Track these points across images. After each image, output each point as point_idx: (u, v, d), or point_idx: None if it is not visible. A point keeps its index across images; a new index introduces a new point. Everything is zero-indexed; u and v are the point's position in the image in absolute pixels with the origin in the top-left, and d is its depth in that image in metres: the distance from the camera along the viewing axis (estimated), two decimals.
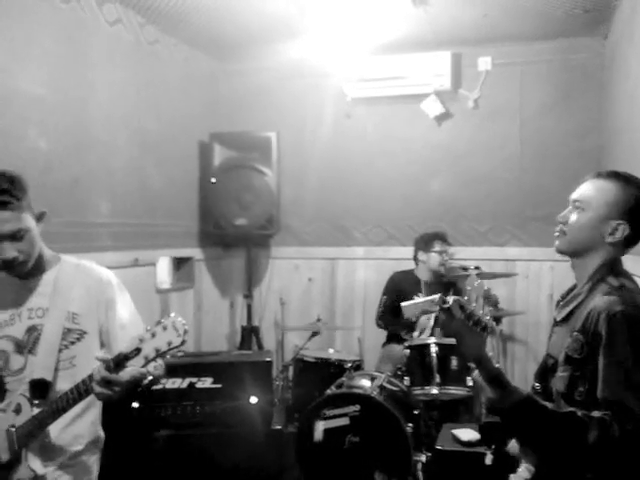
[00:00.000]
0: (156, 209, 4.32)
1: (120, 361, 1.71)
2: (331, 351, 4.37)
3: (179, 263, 4.70)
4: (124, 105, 3.97)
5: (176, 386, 3.14)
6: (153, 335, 1.67)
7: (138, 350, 1.67)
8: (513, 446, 1.88)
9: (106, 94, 3.80)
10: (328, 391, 3.59)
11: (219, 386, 3.18)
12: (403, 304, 1.67)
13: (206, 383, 3.17)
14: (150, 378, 1.92)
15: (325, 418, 3.41)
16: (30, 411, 1.90)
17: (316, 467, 3.45)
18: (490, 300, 1.56)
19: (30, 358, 1.95)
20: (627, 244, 1.74)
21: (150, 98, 4.22)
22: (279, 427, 3.28)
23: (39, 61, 3.29)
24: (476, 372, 1.60)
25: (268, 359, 3.37)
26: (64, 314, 1.97)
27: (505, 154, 4.64)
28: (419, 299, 1.55)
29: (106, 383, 1.74)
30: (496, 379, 1.55)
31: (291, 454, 3.52)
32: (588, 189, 1.75)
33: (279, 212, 4.78)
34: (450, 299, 1.52)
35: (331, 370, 3.98)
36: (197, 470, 3.08)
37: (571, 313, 1.73)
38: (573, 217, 1.74)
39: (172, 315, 1.70)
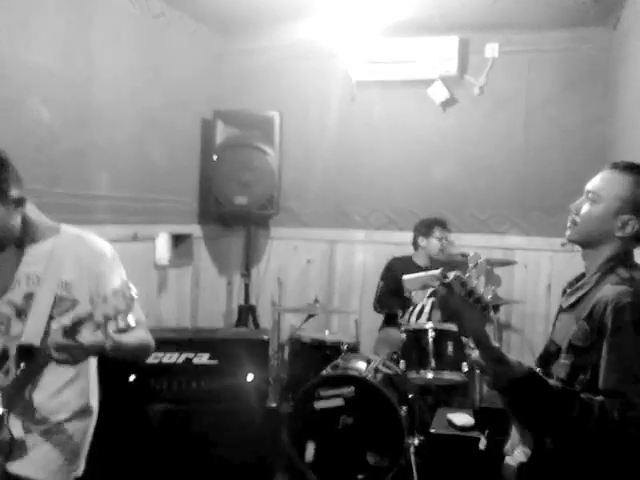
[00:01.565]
0: (157, 184, 4.31)
1: (73, 326, 1.75)
2: (327, 333, 4.37)
3: (178, 239, 4.68)
4: (128, 78, 3.94)
5: (172, 361, 3.14)
6: (104, 300, 1.70)
7: (91, 315, 1.71)
8: (510, 447, 1.88)
9: (110, 67, 3.77)
10: (323, 372, 3.60)
11: (215, 362, 3.18)
12: (405, 277, 1.66)
13: (203, 359, 3.17)
14: (112, 343, 1.84)
15: (319, 398, 3.43)
16: (15, 374, 1.92)
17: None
18: (492, 279, 1.56)
19: (27, 324, 1.97)
20: (638, 239, 1.72)
21: (154, 72, 4.19)
22: (274, 405, 3.29)
23: (44, 32, 3.26)
24: (475, 353, 1.59)
25: (265, 337, 3.37)
26: (56, 282, 1.99)
27: (509, 143, 4.63)
28: (420, 273, 1.53)
29: (62, 349, 1.77)
30: (497, 357, 1.55)
31: (285, 432, 3.54)
32: (602, 181, 1.73)
33: (280, 192, 4.76)
34: (451, 274, 1.51)
35: (327, 351, 3.98)
36: (190, 445, 3.10)
37: (578, 301, 1.73)
38: (585, 208, 1.73)
39: (124, 281, 1.78)
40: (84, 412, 2.10)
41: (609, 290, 1.63)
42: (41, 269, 2.00)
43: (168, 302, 4.47)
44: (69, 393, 2.04)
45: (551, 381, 1.60)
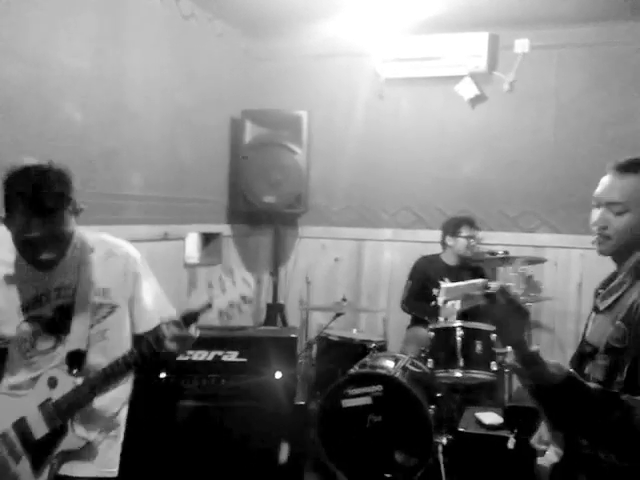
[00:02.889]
0: (187, 184, 4.36)
1: (190, 318, 1.87)
2: (355, 331, 4.38)
3: (207, 238, 4.73)
4: (158, 79, 3.99)
5: (202, 358, 3.17)
6: (223, 291, 1.86)
7: (209, 305, 1.86)
8: (537, 439, 1.88)
9: (141, 68, 3.82)
10: (351, 370, 3.61)
11: (244, 360, 3.21)
12: (444, 285, 1.67)
13: (232, 357, 3.20)
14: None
15: (347, 396, 3.44)
16: (70, 382, 1.93)
17: (337, 445, 3.48)
18: (533, 287, 1.57)
19: (61, 337, 1.98)
20: None
21: (184, 73, 4.24)
22: (302, 403, 3.31)
23: (76, 34, 3.32)
24: (511, 357, 1.59)
25: (293, 335, 3.39)
26: (93, 290, 2.01)
27: (539, 139, 4.57)
28: (461, 282, 1.52)
29: (178, 339, 1.87)
30: (534, 361, 1.54)
31: (313, 430, 3.56)
32: (621, 189, 1.68)
33: (308, 191, 4.78)
34: (494, 285, 1.51)
35: (355, 350, 3.99)
36: (219, 442, 3.13)
37: (614, 302, 1.71)
38: (615, 221, 1.68)
39: (236, 270, 1.86)
40: (127, 399, 2.17)
41: None
42: (73, 279, 2.00)
43: (198, 300, 4.51)
44: (120, 387, 2.09)
45: (590, 384, 1.59)
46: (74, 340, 1.96)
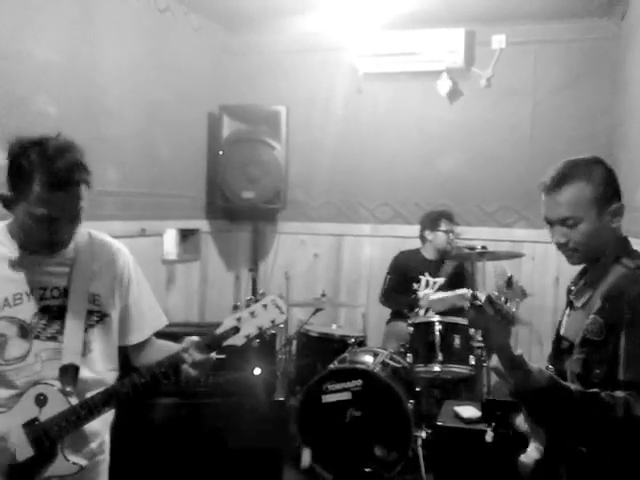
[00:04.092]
0: (164, 180, 4.32)
1: (216, 342, 1.70)
2: (334, 327, 4.38)
3: (186, 235, 4.70)
4: (134, 73, 3.94)
5: None
6: (252, 314, 1.68)
7: (236, 329, 1.68)
8: (521, 422, 1.88)
9: (116, 62, 3.77)
10: (331, 365, 3.61)
11: (223, 357, 3.18)
12: (431, 298, 1.67)
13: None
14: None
15: (327, 392, 3.44)
16: (62, 401, 1.71)
17: (317, 440, 3.48)
18: (517, 292, 1.56)
19: (36, 344, 1.72)
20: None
21: (160, 67, 4.19)
22: (281, 399, 3.30)
23: (49, 27, 3.27)
24: (494, 360, 1.59)
25: (272, 331, 3.38)
26: (86, 295, 1.79)
27: (516, 134, 4.61)
28: (448, 293, 1.52)
29: (199, 365, 1.71)
30: (518, 365, 1.55)
31: (292, 426, 3.55)
32: (567, 201, 1.69)
33: (287, 187, 4.76)
34: (482, 296, 1.52)
35: (334, 345, 4.00)
36: (197, 439, 3.11)
37: (589, 298, 1.72)
38: (575, 233, 1.69)
39: (268, 295, 1.71)
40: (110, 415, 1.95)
41: (619, 281, 1.63)
42: (63, 281, 1.78)
43: (176, 297, 4.49)
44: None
45: (572, 386, 1.60)
46: (68, 352, 1.73)
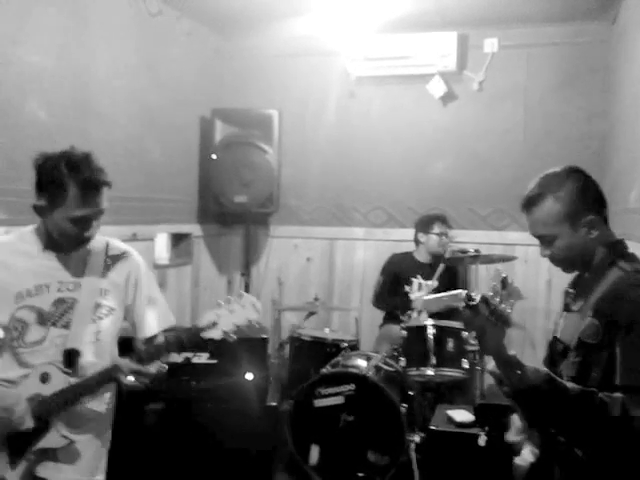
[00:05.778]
0: (156, 184, 4.30)
1: (195, 333, 1.88)
2: (327, 331, 4.37)
3: (177, 239, 4.68)
4: (126, 78, 3.93)
5: (172, 360, 3.12)
6: (231, 311, 1.86)
7: (214, 324, 1.86)
8: (512, 434, 1.88)
9: (108, 66, 3.75)
10: (323, 370, 3.60)
11: (215, 362, 3.18)
12: (425, 298, 1.69)
13: (202, 358, 3.17)
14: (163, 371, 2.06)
15: (320, 396, 3.43)
16: (63, 380, 1.91)
17: (310, 444, 3.46)
18: (513, 293, 1.57)
19: (52, 330, 1.95)
20: (603, 221, 1.74)
21: (152, 72, 4.18)
22: (274, 404, 3.29)
23: (40, 31, 3.25)
24: (491, 364, 1.59)
25: (264, 336, 3.37)
26: (97, 290, 2.02)
27: (508, 138, 4.61)
28: (442, 294, 1.52)
29: (135, 374, 1.88)
30: (514, 365, 1.54)
31: (285, 431, 3.53)
32: (539, 220, 1.73)
33: (279, 191, 4.75)
34: (477, 296, 1.51)
35: (327, 349, 3.98)
36: (190, 444, 3.09)
37: (586, 301, 1.72)
38: (555, 248, 1.73)
39: (247, 295, 1.90)
40: (112, 398, 2.16)
41: (616, 284, 1.62)
42: (78, 276, 2.01)
43: (168, 301, 4.41)
44: (109, 392, 2.11)
45: (569, 384, 1.59)
46: (73, 338, 1.95)
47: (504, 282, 1.60)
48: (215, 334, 1.85)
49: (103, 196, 1.92)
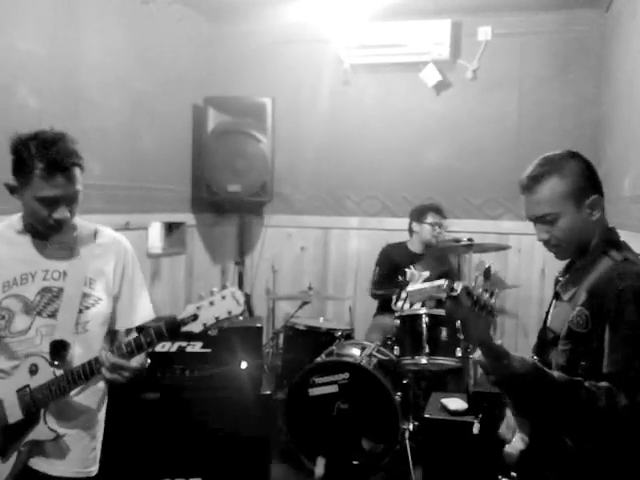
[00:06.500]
0: (148, 173, 4.27)
1: (175, 326, 1.80)
2: (321, 320, 4.37)
3: (171, 228, 4.66)
4: (117, 65, 3.89)
5: (165, 349, 3.12)
6: (211, 304, 1.78)
7: (195, 317, 1.78)
8: (505, 427, 1.88)
9: (98, 53, 3.71)
10: (318, 359, 3.60)
11: (209, 350, 3.17)
12: (408, 289, 1.65)
13: (196, 347, 3.16)
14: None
15: (314, 385, 3.43)
16: (50, 372, 1.89)
17: (304, 433, 3.48)
18: (496, 282, 1.57)
19: (37, 320, 1.94)
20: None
21: (143, 59, 4.14)
22: (268, 392, 3.29)
23: (30, 18, 3.20)
24: (477, 353, 1.59)
25: (258, 325, 3.36)
26: (83, 279, 1.98)
27: (502, 126, 4.60)
28: (425, 284, 1.50)
29: (115, 368, 1.83)
30: (500, 354, 1.54)
31: (279, 419, 3.54)
32: (543, 198, 1.70)
33: (273, 179, 4.72)
34: (458, 286, 1.50)
35: (321, 338, 3.98)
36: (184, 433, 3.09)
37: (576, 291, 1.72)
38: (556, 229, 1.70)
39: (229, 286, 1.82)
40: (105, 395, 2.15)
41: (605, 274, 1.62)
42: (64, 264, 1.98)
43: (161, 291, 4.45)
44: (99, 385, 2.08)
45: (555, 373, 1.60)
46: (60, 327, 1.93)
47: (487, 272, 1.59)
48: (195, 327, 1.79)
49: (74, 178, 1.87)
